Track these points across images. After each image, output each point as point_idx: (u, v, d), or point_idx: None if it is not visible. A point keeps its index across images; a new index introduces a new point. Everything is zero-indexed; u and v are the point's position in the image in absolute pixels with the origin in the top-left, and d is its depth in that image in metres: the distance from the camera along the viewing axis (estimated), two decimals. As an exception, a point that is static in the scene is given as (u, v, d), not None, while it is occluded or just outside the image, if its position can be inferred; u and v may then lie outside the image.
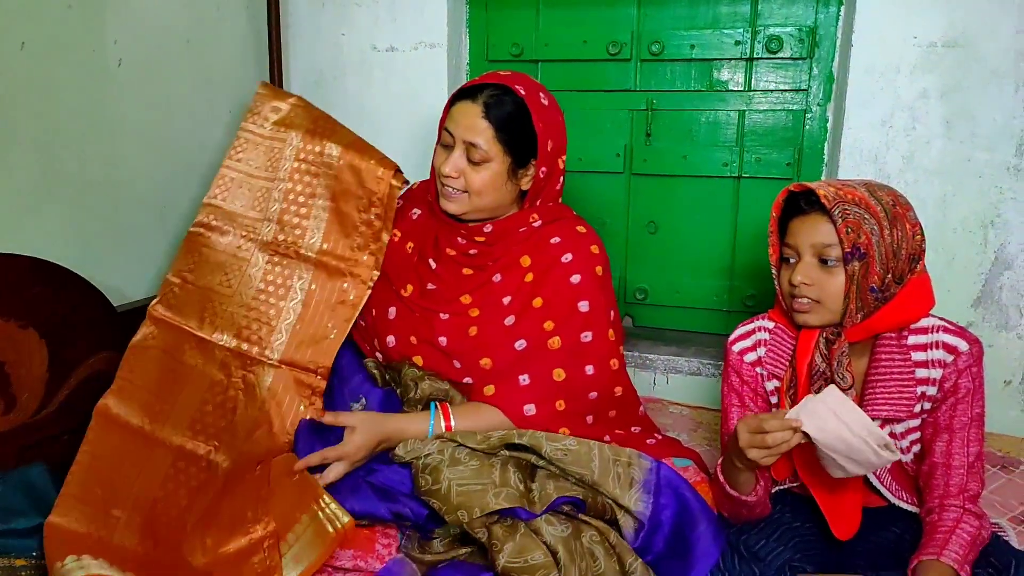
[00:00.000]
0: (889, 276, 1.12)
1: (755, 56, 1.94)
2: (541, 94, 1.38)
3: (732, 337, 1.30)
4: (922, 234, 1.17)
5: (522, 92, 1.34)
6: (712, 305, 2.11)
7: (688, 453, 1.37)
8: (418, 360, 1.39)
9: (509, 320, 1.36)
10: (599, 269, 1.40)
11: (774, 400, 1.26)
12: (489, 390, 1.33)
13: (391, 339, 1.42)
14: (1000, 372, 1.80)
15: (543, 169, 1.37)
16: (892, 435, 1.19)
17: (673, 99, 2.03)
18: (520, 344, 1.34)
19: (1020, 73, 1.69)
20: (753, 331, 1.29)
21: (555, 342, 1.33)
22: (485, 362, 1.35)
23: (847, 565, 1.20)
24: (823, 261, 1.14)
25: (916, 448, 1.22)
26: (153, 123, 1.74)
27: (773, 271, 1.22)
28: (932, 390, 1.17)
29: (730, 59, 1.97)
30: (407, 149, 2.12)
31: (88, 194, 1.59)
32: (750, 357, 1.28)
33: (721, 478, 1.19)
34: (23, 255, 1.33)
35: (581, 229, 1.43)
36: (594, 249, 1.40)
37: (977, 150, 1.74)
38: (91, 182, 1.60)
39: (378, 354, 1.48)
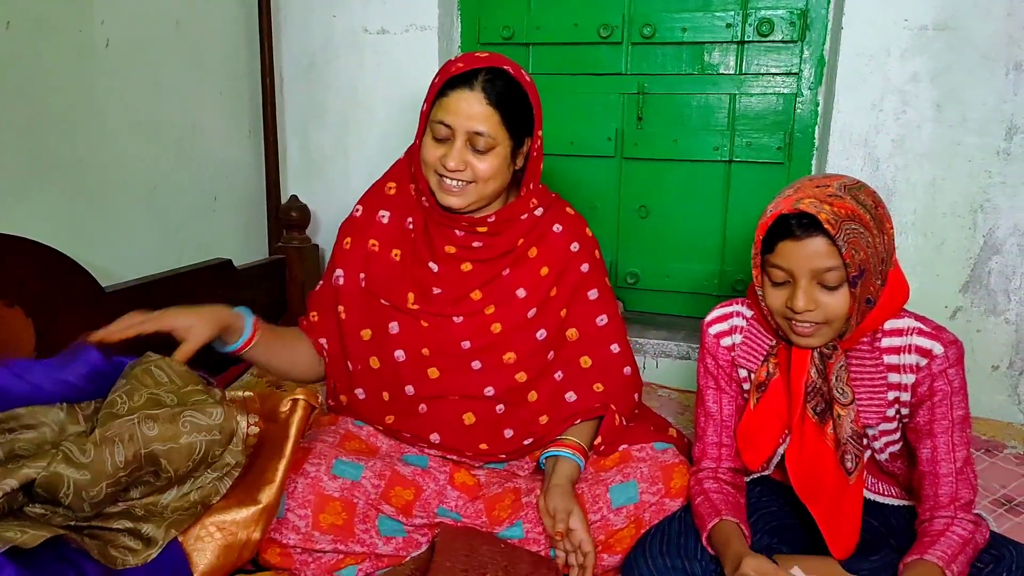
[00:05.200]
0: (879, 281, 1.08)
1: (746, 39, 1.94)
2: (523, 72, 1.36)
3: (709, 319, 1.28)
4: (892, 226, 1.12)
5: (511, 71, 1.31)
6: (702, 290, 2.11)
7: (666, 437, 1.38)
8: (433, 372, 1.36)
9: (531, 313, 1.37)
10: (597, 252, 1.45)
11: (746, 387, 1.25)
12: (532, 396, 1.38)
13: (400, 354, 1.37)
14: (988, 357, 1.80)
15: (536, 146, 1.36)
16: (864, 436, 1.18)
17: (664, 83, 2.02)
18: (541, 334, 1.38)
19: (1011, 56, 1.68)
20: (730, 315, 1.26)
21: (572, 333, 1.40)
22: (509, 356, 1.36)
23: (823, 548, 1.20)
24: (822, 283, 1.07)
25: (892, 448, 1.20)
26: (142, 105, 1.75)
27: (758, 291, 1.14)
28: (906, 395, 1.13)
29: (721, 42, 1.96)
30: (397, 131, 2.12)
31: (76, 175, 1.60)
32: (726, 341, 1.25)
33: (706, 543, 1.16)
34: (9, 235, 1.34)
35: (570, 211, 1.45)
36: (588, 232, 1.45)
37: (967, 134, 1.74)
38: (79, 163, 1.60)
39: (358, 391, 1.42)
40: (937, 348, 1.10)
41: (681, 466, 1.26)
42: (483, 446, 1.36)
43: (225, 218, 2.07)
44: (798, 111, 1.94)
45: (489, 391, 1.36)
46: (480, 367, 1.36)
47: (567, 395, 1.38)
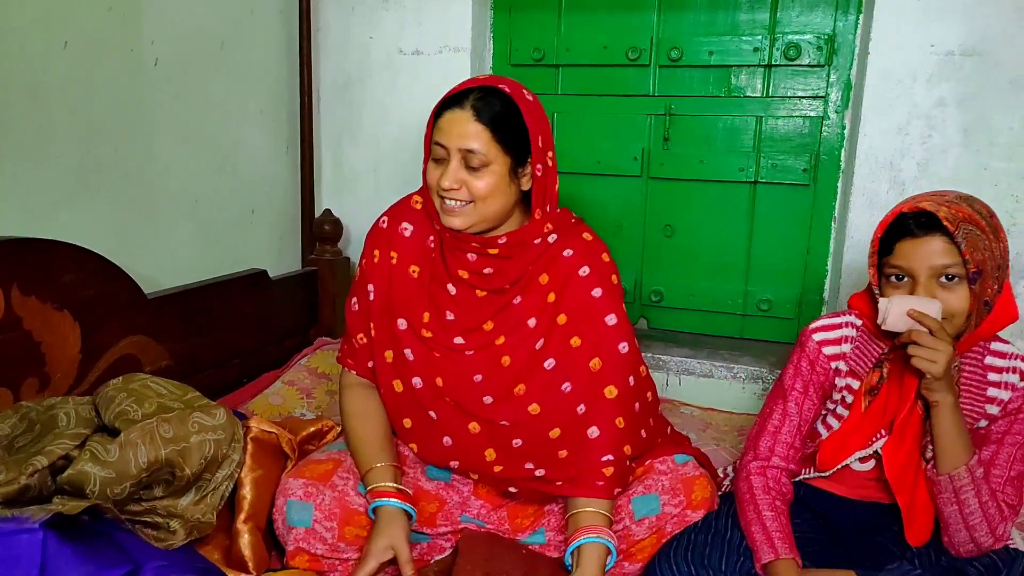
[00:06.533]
0: (996, 286, 1.14)
1: (774, 63, 1.96)
2: (524, 91, 1.32)
3: (813, 327, 1.31)
4: (1005, 236, 1.17)
5: (507, 90, 1.28)
6: (726, 309, 2.12)
7: (689, 450, 1.39)
8: (449, 401, 1.35)
9: (539, 344, 1.33)
10: (614, 277, 1.39)
11: (837, 397, 1.29)
12: (555, 433, 1.30)
13: (417, 381, 1.36)
14: (1015, 382, 1.79)
15: (539, 166, 1.31)
16: None
17: (691, 104, 2.06)
18: (549, 363, 1.32)
19: (1039, 82, 1.69)
20: (840, 326, 1.29)
21: (596, 363, 1.31)
22: (519, 389, 1.32)
23: (845, 562, 1.22)
24: (944, 281, 1.12)
25: None
26: (186, 120, 1.82)
27: (876, 291, 1.20)
28: (995, 409, 1.20)
29: (748, 66, 1.99)
30: (430, 150, 2.17)
31: (124, 186, 1.67)
32: (830, 350, 1.28)
33: (760, 570, 1.18)
34: (60, 241, 1.41)
35: (588, 236, 1.40)
36: (605, 257, 1.39)
37: (994, 159, 1.74)
38: (126, 175, 1.68)
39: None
40: None
41: (702, 479, 1.28)
42: (498, 469, 1.32)
43: (262, 230, 2.14)
44: (824, 134, 1.96)
45: (504, 423, 1.32)
46: (492, 401, 1.33)
47: (590, 431, 1.28)
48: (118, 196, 1.66)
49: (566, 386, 1.31)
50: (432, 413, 1.35)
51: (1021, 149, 1.72)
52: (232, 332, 1.89)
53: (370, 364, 1.42)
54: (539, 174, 1.32)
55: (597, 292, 1.34)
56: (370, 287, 1.42)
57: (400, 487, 1.28)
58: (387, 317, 1.39)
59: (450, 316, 1.37)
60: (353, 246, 2.31)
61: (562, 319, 1.33)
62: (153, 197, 1.75)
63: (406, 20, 2.15)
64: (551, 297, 1.34)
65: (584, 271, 1.34)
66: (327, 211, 2.23)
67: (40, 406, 1.19)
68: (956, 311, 1.12)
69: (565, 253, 1.36)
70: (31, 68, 1.44)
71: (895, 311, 1.12)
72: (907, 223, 1.14)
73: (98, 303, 1.49)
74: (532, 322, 1.34)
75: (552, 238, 1.37)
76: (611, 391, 1.29)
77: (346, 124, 2.27)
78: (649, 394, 1.41)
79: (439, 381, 1.35)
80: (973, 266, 1.09)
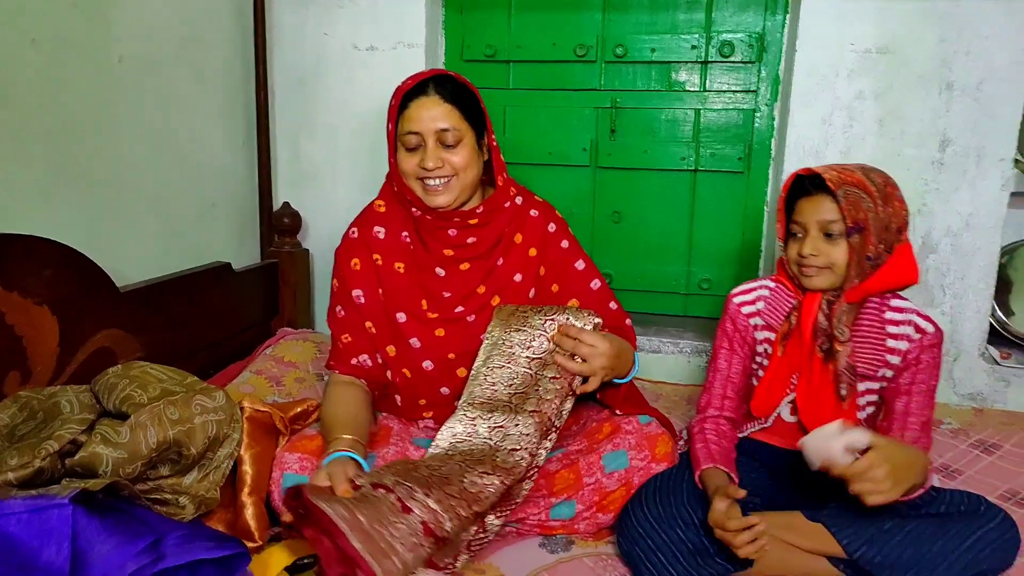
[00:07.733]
0: (881, 246, 1.30)
1: (709, 59, 2.12)
2: (464, 77, 1.47)
3: (734, 292, 1.50)
4: (907, 209, 1.33)
5: (454, 75, 1.44)
6: (671, 289, 2.28)
7: (651, 412, 1.53)
8: (461, 372, 1.47)
9: (531, 294, 1.52)
10: (569, 229, 1.60)
11: (760, 349, 1.46)
12: None
13: (428, 363, 1.49)
14: (927, 346, 2.00)
15: (492, 138, 1.49)
16: (855, 374, 1.35)
17: (635, 98, 2.20)
18: None
19: (943, 78, 1.89)
20: (755, 288, 1.48)
21: (573, 302, 1.51)
22: None
23: (791, 505, 1.37)
24: (827, 235, 1.31)
25: (869, 410, 1.41)
26: (151, 117, 1.84)
27: (780, 244, 1.41)
28: (896, 359, 1.35)
29: (687, 62, 2.14)
30: (384, 142, 2.23)
31: (90, 181, 1.69)
32: (747, 309, 1.46)
33: (698, 482, 1.33)
34: (40, 237, 1.43)
35: (538, 198, 1.60)
36: (558, 214, 1.60)
37: (906, 146, 1.94)
38: (93, 170, 1.69)
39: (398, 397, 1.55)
40: (930, 328, 1.35)
41: (664, 436, 1.41)
42: None
43: (222, 223, 2.17)
44: (756, 125, 2.13)
45: None
46: None
47: None
48: (85, 191, 1.68)
49: None
50: (444, 390, 1.50)
51: (929, 137, 1.92)
52: (199, 324, 1.93)
53: (353, 361, 1.51)
54: (495, 144, 1.49)
55: (565, 244, 1.55)
56: (355, 293, 1.51)
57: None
58: (384, 315, 1.51)
59: (446, 294, 1.50)
60: (312, 239, 2.36)
61: (542, 271, 1.53)
62: (119, 192, 1.77)
63: (360, 17, 2.21)
64: (532, 252, 1.52)
65: (552, 227, 1.55)
66: (286, 204, 2.27)
67: (40, 395, 1.23)
68: (835, 262, 1.31)
69: (532, 213, 1.54)
70: (1, 65, 1.45)
71: (811, 448, 1.19)
72: (804, 184, 1.34)
73: (75, 297, 1.51)
74: (518, 277, 1.51)
75: (518, 200, 1.54)
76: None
77: (303, 118, 2.32)
78: (628, 320, 1.61)
79: (451, 356, 1.48)
80: (851, 222, 1.28)
